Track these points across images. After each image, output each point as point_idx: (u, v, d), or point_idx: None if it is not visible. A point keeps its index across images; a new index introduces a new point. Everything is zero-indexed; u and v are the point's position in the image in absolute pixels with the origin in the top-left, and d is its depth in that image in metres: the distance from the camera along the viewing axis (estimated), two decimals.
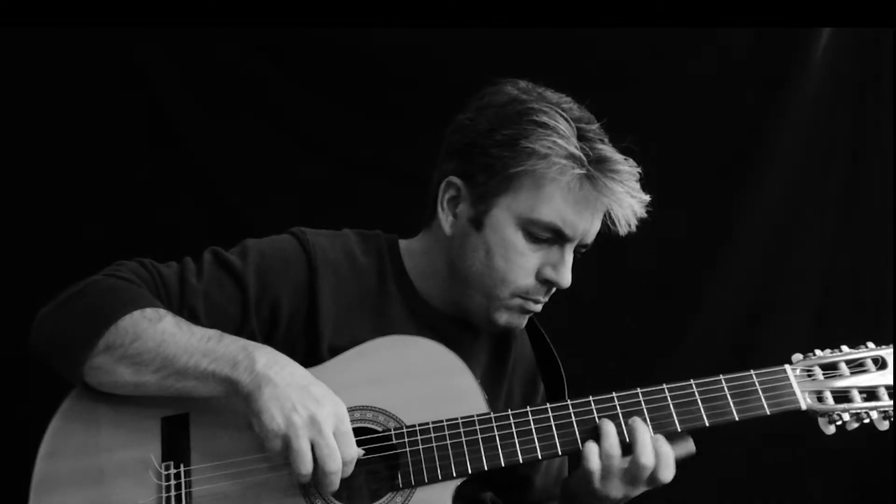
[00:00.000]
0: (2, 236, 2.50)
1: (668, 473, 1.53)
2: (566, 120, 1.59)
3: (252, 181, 2.60)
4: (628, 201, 1.59)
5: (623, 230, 1.62)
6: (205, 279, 1.60)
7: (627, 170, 1.59)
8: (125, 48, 2.54)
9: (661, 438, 1.53)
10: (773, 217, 2.67)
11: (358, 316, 1.66)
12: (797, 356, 1.63)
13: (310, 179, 2.59)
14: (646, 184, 1.62)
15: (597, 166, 1.57)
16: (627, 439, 1.52)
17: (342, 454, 1.42)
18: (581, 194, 1.58)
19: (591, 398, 1.57)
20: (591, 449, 1.51)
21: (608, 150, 1.59)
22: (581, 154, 1.56)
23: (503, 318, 1.67)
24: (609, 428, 1.52)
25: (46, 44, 2.49)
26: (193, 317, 1.57)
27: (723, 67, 2.62)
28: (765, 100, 2.63)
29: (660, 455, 1.52)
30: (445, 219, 1.67)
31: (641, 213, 1.61)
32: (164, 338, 1.46)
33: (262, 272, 1.62)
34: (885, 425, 1.58)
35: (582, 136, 1.59)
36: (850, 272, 2.67)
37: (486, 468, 1.51)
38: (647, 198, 1.61)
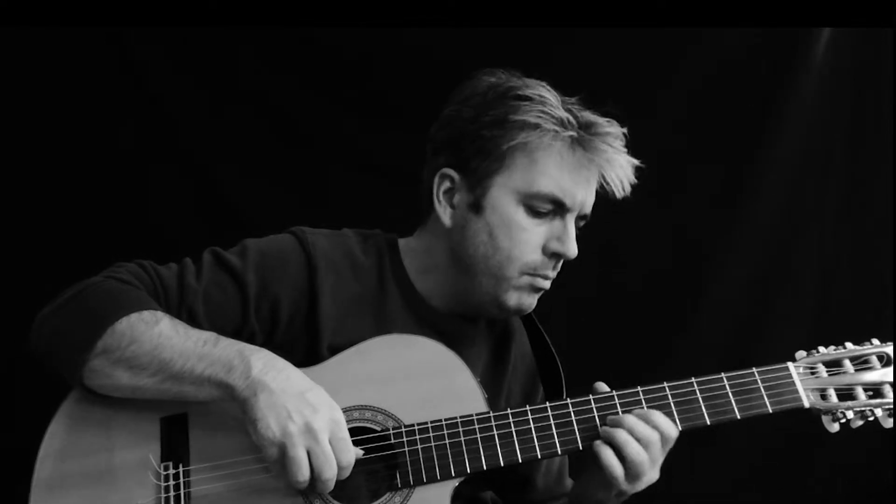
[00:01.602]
0: (2, 236, 2.50)
1: (668, 428, 1.51)
2: (549, 90, 1.64)
3: (252, 181, 2.60)
4: (619, 160, 1.62)
5: (619, 192, 1.64)
6: (204, 280, 1.60)
7: (613, 130, 1.63)
8: (125, 48, 2.54)
9: (641, 413, 1.52)
10: (774, 216, 2.67)
11: (357, 315, 1.65)
12: (800, 353, 1.61)
13: (309, 179, 2.59)
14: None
15: (586, 130, 1.61)
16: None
17: (339, 460, 1.42)
18: (574, 159, 1.61)
19: (591, 397, 1.56)
20: (609, 457, 1.49)
21: (592, 115, 1.64)
22: (570, 117, 1.60)
23: (513, 299, 1.66)
24: (623, 437, 1.50)
25: (46, 44, 2.49)
26: (193, 318, 1.56)
27: (723, 67, 2.62)
28: (765, 100, 2.63)
29: (657, 425, 1.51)
30: (444, 211, 1.68)
31: (632, 175, 1.64)
32: (160, 341, 1.46)
33: (262, 271, 1.61)
34: (889, 423, 1.56)
35: (566, 106, 1.63)
36: (850, 272, 2.67)
37: (484, 468, 1.51)
38: (636, 161, 1.64)
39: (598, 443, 1.51)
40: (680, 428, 1.54)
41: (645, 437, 1.50)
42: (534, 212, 1.62)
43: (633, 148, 1.65)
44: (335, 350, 1.61)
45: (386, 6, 2.38)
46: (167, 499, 1.46)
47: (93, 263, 1.61)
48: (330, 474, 1.41)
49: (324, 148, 2.62)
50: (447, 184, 1.67)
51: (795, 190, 2.66)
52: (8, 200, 2.51)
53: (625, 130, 1.64)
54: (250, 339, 1.58)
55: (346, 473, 1.44)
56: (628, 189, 1.64)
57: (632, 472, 1.50)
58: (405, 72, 2.58)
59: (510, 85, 1.65)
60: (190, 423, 1.53)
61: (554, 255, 1.64)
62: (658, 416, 1.52)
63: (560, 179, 1.60)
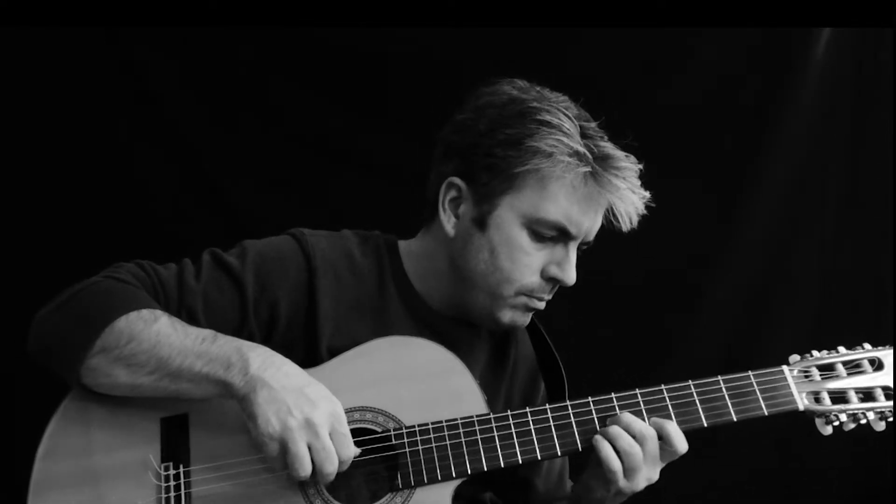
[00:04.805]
0: (2, 237, 2.51)
1: (676, 439, 1.53)
2: (569, 118, 1.59)
3: (252, 181, 2.60)
4: (631, 197, 1.60)
5: (626, 226, 1.63)
6: (203, 280, 1.60)
7: (630, 166, 1.60)
8: (125, 48, 2.54)
9: (654, 421, 1.54)
10: (773, 217, 2.67)
11: (357, 317, 1.66)
12: (794, 357, 1.64)
13: (309, 179, 2.59)
14: (646, 183, 1.63)
15: (601, 163, 1.58)
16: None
17: (339, 454, 1.43)
18: (585, 191, 1.59)
19: (590, 399, 1.57)
20: (607, 449, 1.51)
21: (610, 147, 1.60)
22: (586, 151, 1.57)
23: (507, 316, 1.67)
24: (616, 430, 1.52)
25: (46, 44, 2.49)
26: (192, 318, 1.57)
27: (722, 68, 2.62)
28: (765, 100, 2.63)
29: (660, 429, 1.53)
30: (447, 220, 1.67)
31: (642, 209, 1.62)
32: (159, 339, 1.46)
33: (261, 273, 1.61)
34: (881, 426, 1.60)
35: (585, 134, 1.60)
36: (850, 272, 2.67)
37: (485, 469, 1.52)
38: (648, 194, 1.62)
39: (596, 437, 1.53)
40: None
41: (640, 432, 1.51)
42: (537, 236, 1.61)
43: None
44: (334, 352, 1.61)
45: (386, 6, 2.38)
46: (167, 499, 1.47)
47: (93, 263, 1.61)
48: (331, 468, 1.42)
49: (323, 148, 2.62)
50: (453, 193, 1.66)
51: (795, 191, 2.66)
52: (8, 200, 2.51)
53: (641, 166, 1.61)
54: (249, 340, 1.57)
55: (345, 467, 1.45)
56: (636, 223, 1.63)
57: (626, 464, 1.50)
58: (405, 72, 2.58)
59: (530, 105, 1.60)
60: (190, 423, 1.53)
61: (552, 280, 1.64)
62: (667, 423, 1.53)
63: (568, 209, 1.59)
